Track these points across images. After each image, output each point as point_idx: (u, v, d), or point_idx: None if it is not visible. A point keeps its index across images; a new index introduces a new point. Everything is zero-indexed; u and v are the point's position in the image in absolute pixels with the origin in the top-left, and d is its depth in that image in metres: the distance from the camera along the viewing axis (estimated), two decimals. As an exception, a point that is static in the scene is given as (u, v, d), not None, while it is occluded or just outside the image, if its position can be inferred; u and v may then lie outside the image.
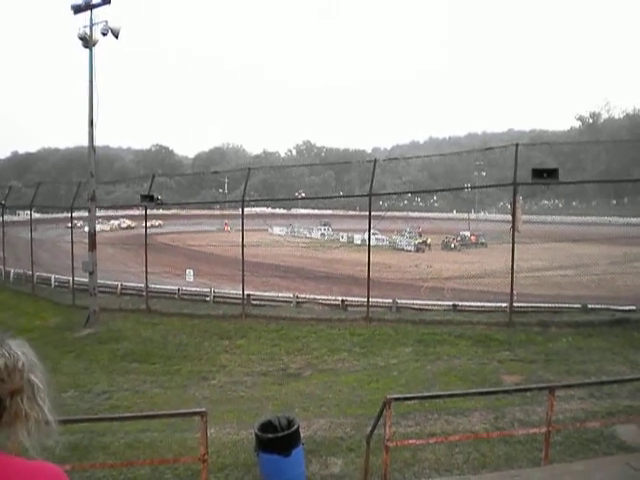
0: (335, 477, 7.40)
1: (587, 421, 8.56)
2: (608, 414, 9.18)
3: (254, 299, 21.30)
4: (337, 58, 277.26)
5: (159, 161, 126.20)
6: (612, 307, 17.36)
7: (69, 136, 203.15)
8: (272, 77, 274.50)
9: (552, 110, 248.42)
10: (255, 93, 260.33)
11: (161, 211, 57.77)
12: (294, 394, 12.32)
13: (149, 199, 21.42)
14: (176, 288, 24.85)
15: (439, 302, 19.85)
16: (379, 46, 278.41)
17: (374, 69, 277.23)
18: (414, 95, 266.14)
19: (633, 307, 16.85)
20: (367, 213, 19.08)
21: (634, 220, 68.61)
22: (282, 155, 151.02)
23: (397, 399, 6.71)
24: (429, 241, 53.58)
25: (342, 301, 20.63)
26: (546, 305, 17.97)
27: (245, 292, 20.27)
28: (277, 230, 68.75)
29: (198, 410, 5.98)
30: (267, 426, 6.98)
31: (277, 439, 6.77)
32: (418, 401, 9.49)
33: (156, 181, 25.73)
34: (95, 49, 19.77)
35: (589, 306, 17.45)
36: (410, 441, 7.51)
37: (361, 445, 7.53)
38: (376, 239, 42.90)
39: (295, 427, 6.96)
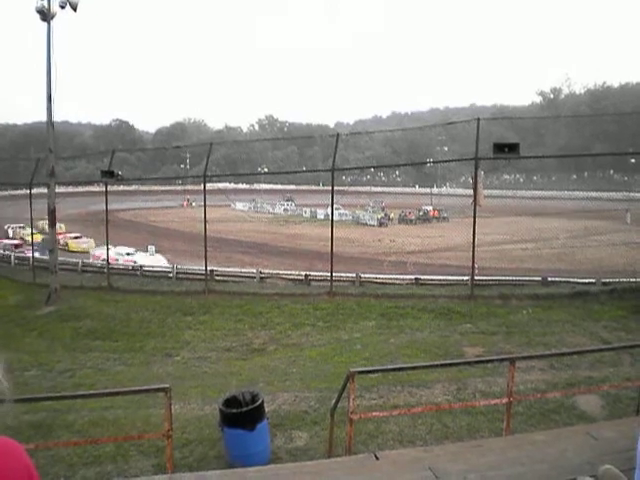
0: (300, 450, 7.44)
1: (548, 392, 8.70)
2: (568, 385, 9.36)
3: (217, 275, 21.21)
4: (298, 31, 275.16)
5: (119, 136, 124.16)
6: (572, 280, 17.63)
7: (28, 112, 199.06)
8: (233, 51, 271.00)
9: (514, 85, 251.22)
10: (216, 68, 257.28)
11: (122, 187, 57.08)
12: (258, 369, 12.34)
13: (109, 175, 21.09)
14: (138, 265, 24.66)
15: (402, 276, 19.97)
16: (342, 19, 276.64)
17: (337, 40, 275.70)
18: (378, 70, 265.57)
19: (592, 280, 17.12)
20: (330, 188, 19.05)
21: (594, 194, 69.57)
22: (244, 130, 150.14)
23: (360, 372, 6.74)
24: (392, 215, 53.79)
25: (305, 276, 20.64)
26: (507, 278, 18.20)
27: (208, 268, 20.15)
28: (240, 205, 68.54)
29: (161, 386, 5.94)
30: (231, 401, 6.99)
31: (241, 414, 6.79)
32: (381, 374, 9.57)
33: (117, 157, 25.39)
34: (53, 23, 19.30)
35: (549, 279, 17.70)
36: (374, 413, 7.57)
37: (325, 418, 7.58)
38: (339, 214, 43.04)
39: (259, 402, 6.98)
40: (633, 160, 79.86)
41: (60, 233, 30.51)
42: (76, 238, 36.78)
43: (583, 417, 8.22)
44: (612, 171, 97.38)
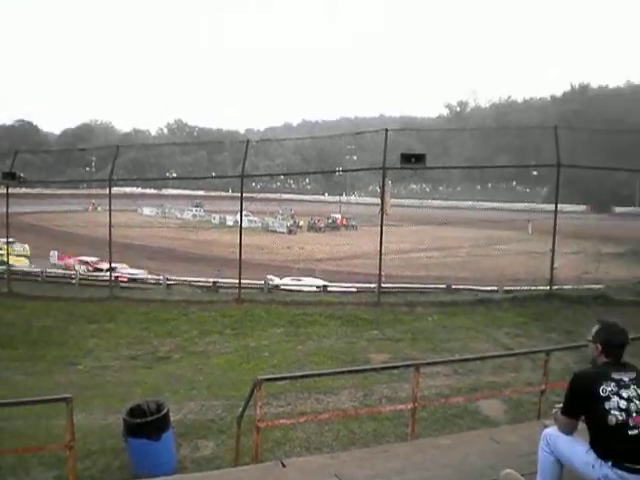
0: (206, 459, 7.35)
1: (452, 397, 8.89)
2: (472, 390, 9.59)
3: (123, 281, 20.77)
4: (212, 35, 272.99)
5: (23, 137, 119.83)
6: (475, 288, 18.14)
7: None
8: (142, 50, 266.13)
9: (422, 98, 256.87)
10: (125, 67, 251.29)
11: (24, 189, 55.09)
12: (164, 378, 12.11)
13: (10, 177, 20.34)
14: (39, 270, 23.90)
15: (310, 283, 20.06)
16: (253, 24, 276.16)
17: (250, 46, 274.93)
18: (289, 78, 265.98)
19: (495, 288, 17.65)
20: (239, 194, 18.95)
21: (498, 205, 71.85)
22: (153, 134, 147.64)
23: (267, 380, 6.73)
24: (301, 223, 54.03)
25: (214, 283, 20.48)
26: (413, 286, 18.56)
27: (113, 274, 19.70)
28: (147, 211, 67.24)
29: (63, 396, 5.76)
30: (136, 411, 6.85)
31: (146, 424, 6.66)
32: (289, 381, 9.55)
33: (20, 158, 24.50)
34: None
35: (454, 287, 18.14)
36: (281, 421, 7.56)
37: (232, 427, 7.50)
38: (248, 220, 42.85)
39: (164, 411, 6.87)
40: (535, 172, 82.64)
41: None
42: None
43: (486, 421, 8.43)
44: (515, 183, 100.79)
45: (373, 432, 7.97)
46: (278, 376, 8.50)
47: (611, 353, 3.89)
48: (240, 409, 6.86)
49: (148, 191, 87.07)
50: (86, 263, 28.74)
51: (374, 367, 10.05)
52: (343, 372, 9.05)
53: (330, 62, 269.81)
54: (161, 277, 21.55)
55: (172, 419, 7.21)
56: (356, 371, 9.17)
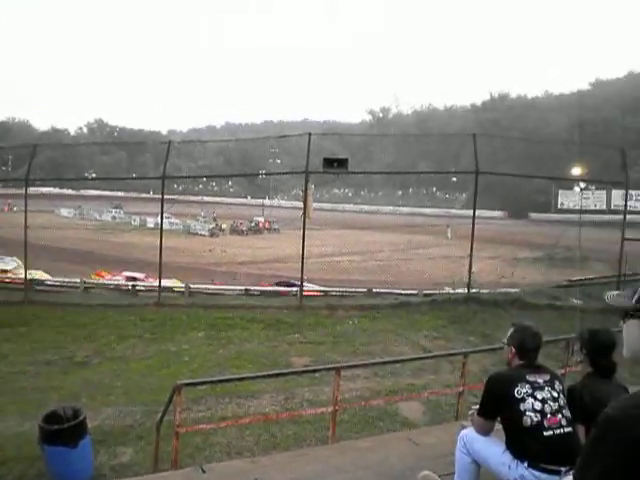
0: (124, 466, 7.23)
1: (372, 399, 8.99)
2: (391, 392, 9.73)
3: (38, 284, 20.18)
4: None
5: None
6: (396, 291, 18.39)
7: None
8: (64, 47, 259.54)
9: (346, 103, 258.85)
10: (44, 65, 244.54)
11: None
12: (81, 383, 11.83)
13: None
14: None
15: (232, 287, 19.95)
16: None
17: (173, 47, 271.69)
18: (212, 80, 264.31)
19: (415, 291, 17.94)
20: (160, 196, 18.67)
21: (418, 210, 73.16)
22: (72, 133, 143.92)
23: (187, 384, 6.67)
24: (224, 226, 53.71)
25: (133, 286, 20.13)
26: (334, 289, 18.68)
27: (28, 277, 19.10)
28: (64, 212, 65.52)
29: (-26, 403, 5.58)
30: (52, 417, 6.69)
31: (62, 430, 6.51)
32: (209, 386, 9.48)
33: None
34: None
35: (374, 290, 18.34)
36: (201, 426, 7.50)
37: (151, 432, 7.39)
38: (170, 223, 42.37)
39: (81, 417, 6.73)
40: (455, 179, 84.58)
41: None
42: None
43: (406, 423, 8.56)
44: (435, 189, 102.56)
45: (294, 436, 7.98)
46: (198, 381, 8.41)
47: (525, 355, 4.00)
48: (159, 414, 6.77)
49: (66, 191, 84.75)
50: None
51: (295, 370, 10.06)
52: (264, 376, 9.04)
53: (255, 65, 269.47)
54: (78, 280, 21.02)
55: (89, 425, 7.05)
56: (277, 375, 9.15)
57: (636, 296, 1.96)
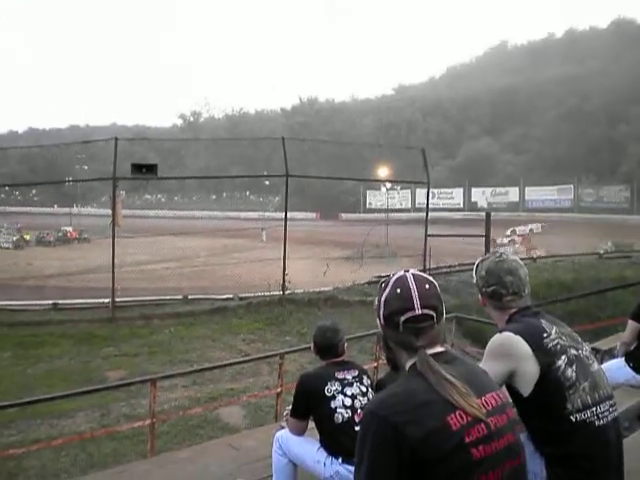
0: None
1: (191, 408, 8.90)
2: (211, 399, 9.71)
3: None
4: None
5: None
6: (212, 296, 18.29)
7: None
8: None
9: (156, 107, 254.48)
10: None
11: None
12: None
13: None
14: None
15: (39, 302, 18.90)
16: None
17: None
18: (10, 83, 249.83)
19: (231, 295, 17.94)
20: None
21: (232, 214, 73.32)
22: None
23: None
24: (28, 237, 50.98)
25: None
26: (149, 298, 18.23)
27: None
28: None
29: None
30: None
31: None
32: (19, 408, 8.95)
33: None
34: None
35: (190, 297, 18.12)
36: (11, 451, 7.07)
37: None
38: (-32, 236, 39.58)
39: None
40: (267, 182, 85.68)
41: None
42: None
43: (226, 429, 8.57)
44: (249, 192, 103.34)
45: (113, 452, 7.78)
46: (4, 404, 7.91)
47: (330, 353, 4.11)
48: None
49: None
50: None
51: (108, 386, 9.72)
52: (77, 393, 8.63)
53: (52, 69, 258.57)
54: None
55: None
56: (90, 391, 8.78)
57: None
